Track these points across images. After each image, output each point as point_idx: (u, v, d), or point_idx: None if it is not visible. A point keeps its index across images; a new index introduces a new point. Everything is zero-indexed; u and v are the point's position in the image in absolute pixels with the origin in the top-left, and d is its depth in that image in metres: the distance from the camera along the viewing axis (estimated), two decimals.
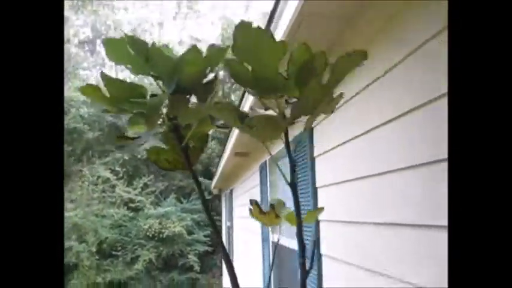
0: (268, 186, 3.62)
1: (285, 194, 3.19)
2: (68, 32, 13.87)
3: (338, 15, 1.54)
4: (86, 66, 15.33)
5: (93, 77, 15.19)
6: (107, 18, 15.54)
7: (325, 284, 1.89)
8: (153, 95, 0.83)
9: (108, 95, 0.80)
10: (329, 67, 0.75)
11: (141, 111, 0.80)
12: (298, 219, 0.83)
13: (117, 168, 11.12)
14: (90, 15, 15.11)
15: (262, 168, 3.76)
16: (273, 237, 3.38)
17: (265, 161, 3.64)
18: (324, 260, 1.90)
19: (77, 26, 15.02)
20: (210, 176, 10.22)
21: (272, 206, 0.95)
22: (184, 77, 0.80)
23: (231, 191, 7.14)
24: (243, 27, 0.71)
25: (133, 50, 0.78)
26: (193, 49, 0.79)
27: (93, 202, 10.19)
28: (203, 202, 0.95)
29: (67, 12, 13.35)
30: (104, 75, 0.78)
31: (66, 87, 11.18)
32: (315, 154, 2.08)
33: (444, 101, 0.99)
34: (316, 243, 1.93)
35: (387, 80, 1.31)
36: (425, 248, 1.09)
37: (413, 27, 1.16)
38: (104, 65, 15.81)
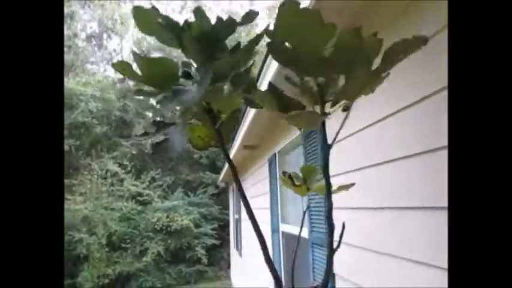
0: (278, 178, 3.66)
1: None
2: (76, 26, 13.95)
3: (348, 10, 1.55)
4: (93, 61, 15.43)
5: (101, 72, 15.29)
6: (114, 12, 15.58)
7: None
8: (185, 73, 0.80)
9: (139, 73, 0.77)
10: (382, 52, 0.72)
11: (172, 92, 0.77)
12: (328, 201, 0.83)
13: (125, 163, 11.25)
14: (97, 10, 15.17)
15: (272, 161, 3.80)
16: (283, 227, 3.42)
17: (275, 154, 3.67)
18: None
19: (84, 20, 15.09)
20: (216, 170, 10.27)
21: (304, 179, 0.98)
22: (219, 64, 0.77)
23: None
24: (290, 4, 0.66)
25: (165, 30, 0.75)
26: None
27: (102, 195, 10.34)
28: (234, 174, 0.91)
29: (74, 7, 13.42)
30: (135, 54, 0.76)
31: (74, 82, 11.28)
32: None
33: (444, 95, 1.02)
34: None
35: (397, 72, 1.33)
36: (427, 229, 1.12)
37: (420, 22, 1.17)
38: (111, 60, 15.89)
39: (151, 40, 16.19)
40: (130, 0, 16.24)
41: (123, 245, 10.14)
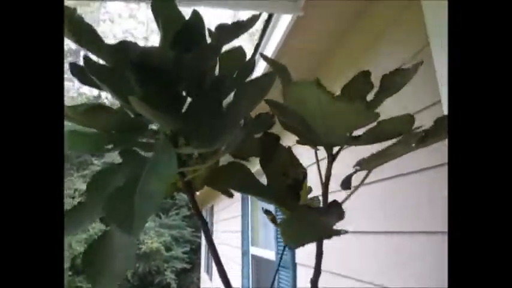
0: (249, 202, 3.74)
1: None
2: None
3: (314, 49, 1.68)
4: (68, 78, 15.10)
5: (75, 89, 15.00)
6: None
7: None
8: (135, 126, 0.52)
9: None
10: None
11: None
12: (318, 249, 0.63)
13: None
14: None
15: None
16: (253, 250, 3.47)
17: None
18: (299, 268, 2.02)
19: None
20: None
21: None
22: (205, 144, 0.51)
23: (212, 206, 7.17)
24: (323, 95, 0.47)
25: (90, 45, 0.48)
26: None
27: None
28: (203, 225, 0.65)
29: None
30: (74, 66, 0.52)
31: None
32: None
33: (438, 108, 1.02)
34: (292, 253, 2.05)
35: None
36: (395, 254, 1.23)
37: (396, 45, 1.27)
38: None
39: None
40: (110, 20, 16.30)
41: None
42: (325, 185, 0.64)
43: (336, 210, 0.58)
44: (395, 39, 1.28)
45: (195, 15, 0.49)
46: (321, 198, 0.66)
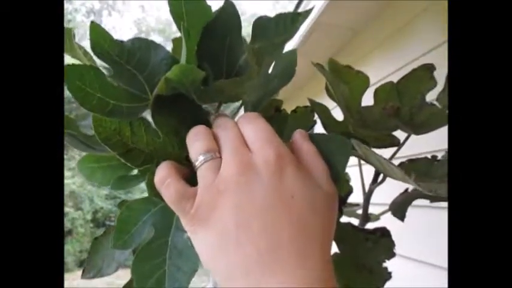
0: None
1: None
2: (76, 1, 13.76)
3: (346, 26, 1.67)
4: None
5: None
6: None
7: None
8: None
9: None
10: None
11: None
12: None
13: None
14: None
15: None
16: None
17: None
18: None
19: None
20: None
21: None
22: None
23: None
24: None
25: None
26: None
27: None
28: None
29: None
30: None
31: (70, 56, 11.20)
32: None
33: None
34: None
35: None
36: None
37: (412, 42, 1.30)
38: None
39: (151, 21, 16.04)
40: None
41: (107, 223, 10.24)
42: (366, 199, 0.51)
43: (385, 243, 0.46)
44: (426, 25, 1.27)
45: (228, 5, 0.32)
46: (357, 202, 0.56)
